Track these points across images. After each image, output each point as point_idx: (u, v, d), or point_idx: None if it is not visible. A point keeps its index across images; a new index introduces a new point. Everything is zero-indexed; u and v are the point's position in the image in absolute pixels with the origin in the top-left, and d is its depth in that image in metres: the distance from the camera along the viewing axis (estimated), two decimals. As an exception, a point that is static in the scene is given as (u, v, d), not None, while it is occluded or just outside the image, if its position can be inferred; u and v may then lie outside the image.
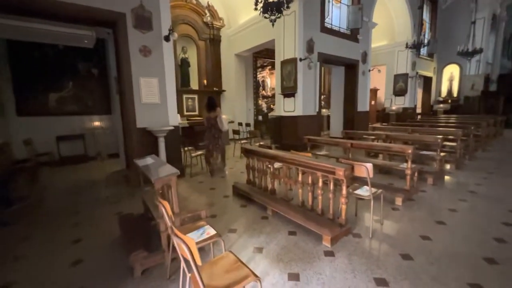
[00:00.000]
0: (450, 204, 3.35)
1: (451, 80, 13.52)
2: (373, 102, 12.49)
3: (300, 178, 2.96)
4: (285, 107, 7.45)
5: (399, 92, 11.78)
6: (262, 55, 10.74)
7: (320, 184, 2.69)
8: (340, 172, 2.42)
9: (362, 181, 3.25)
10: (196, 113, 8.84)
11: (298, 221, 2.77)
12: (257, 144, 6.47)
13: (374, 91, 12.76)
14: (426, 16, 12.52)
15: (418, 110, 13.53)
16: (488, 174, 4.62)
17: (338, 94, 9.35)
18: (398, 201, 3.39)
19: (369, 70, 9.30)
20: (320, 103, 7.73)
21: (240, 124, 9.32)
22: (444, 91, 13.78)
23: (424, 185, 4.10)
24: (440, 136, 4.36)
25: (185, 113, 8.75)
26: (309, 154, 3.43)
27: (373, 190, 2.72)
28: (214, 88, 9.40)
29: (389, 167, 4.33)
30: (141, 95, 4.41)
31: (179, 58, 8.75)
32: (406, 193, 3.51)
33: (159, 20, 4.52)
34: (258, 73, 11.08)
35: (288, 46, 7.06)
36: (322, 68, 9.49)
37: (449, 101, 13.35)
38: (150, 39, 4.47)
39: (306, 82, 7.13)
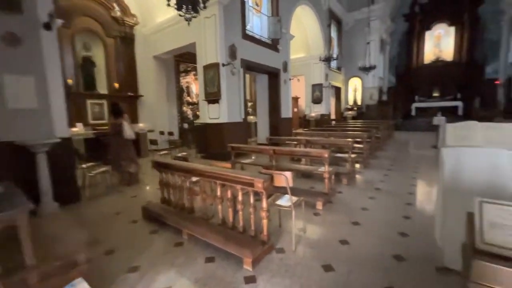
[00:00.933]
0: (362, 203, 3.59)
1: (355, 91, 15.79)
2: (295, 109, 13.37)
3: (219, 193, 2.61)
4: (210, 114, 7.06)
5: (316, 100, 13.00)
6: (185, 59, 10.13)
7: (240, 198, 2.40)
8: (259, 184, 2.18)
9: (284, 190, 3.13)
10: (105, 121, 7.51)
11: (217, 244, 2.40)
12: (179, 154, 5.84)
13: (295, 99, 13.71)
14: (334, 34, 14.32)
15: (332, 116, 15.26)
16: (387, 171, 5.31)
17: (263, 101, 9.56)
18: (319, 205, 3.42)
19: (290, 79, 9.87)
20: (246, 109, 7.66)
21: (161, 133, 8.42)
22: (351, 100, 15.98)
23: (340, 186, 4.35)
24: (351, 139, 4.77)
25: (91, 121, 7.33)
26: (229, 165, 3.13)
27: (294, 199, 2.60)
28: (129, 93, 8.25)
29: (310, 171, 4.44)
30: (5, 97, 3.27)
31: (80, 56, 7.31)
32: (325, 196, 3.59)
33: (34, 2, 3.50)
34: (181, 78, 10.37)
35: (210, 51, 6.74)
36: (248, 75, 9.57)
37: (355, 108, 15.53)
38: (20, 25, 3.40)
39: (230, 88, 6.94)
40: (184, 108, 10.52)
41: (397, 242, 2.51)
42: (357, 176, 5.02)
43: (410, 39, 16.92)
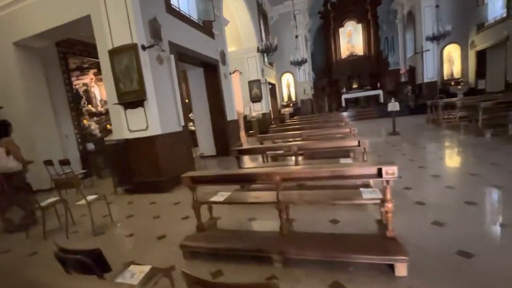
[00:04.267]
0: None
1: (288, 87, 15.34)
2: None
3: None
4: (130, 125, 4.58)
5: (256, 98, 11.66)
6: (77, 51, 7.00)
7: None
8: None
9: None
10: None
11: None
12: (83, 201, 3.27)
13: (232, 99, 12.05)
14: (262, 27, 13.33)
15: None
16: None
17: (201, 102, 7.47)
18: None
19: (230, 73, 8.12)
20: (186, 113, 5.46)
21: (48, 163, 5.31)
22: (285, 96, 15.45)
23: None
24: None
25: None
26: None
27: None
28: None
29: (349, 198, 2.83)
30: None
31: None
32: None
33: None
34: (75, 78, 7.14)
35: (118, 26, 4.31)
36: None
37: (291, 105, 15.06)
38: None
39: (159, 83, 4.67)
40: (85, 122, 7.32)
41: None
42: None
43: (327, 35, 17.76)
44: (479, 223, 2.33)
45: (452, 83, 12.52)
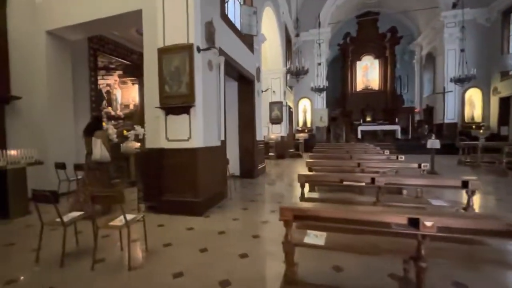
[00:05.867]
0: None
1: (305, 112, 15.09)
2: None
3: None
4: (169, 133, 4.00)
5: (276, 120, 11.28)
6: (107, 50, 6.59)
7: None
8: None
9: None
10: None
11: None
12: (117, 222, 2.60)
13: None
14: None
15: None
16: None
17: (231, 118, 6.95)
18: None
19: (262, 91, 7.74)
20: (225, 127, 4.91)
21: (60, 166, 4.64)
22: (300, 122, 15.13)
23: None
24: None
25: None
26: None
27: None
28: None
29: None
30: None
31: None
32: None
33: None
34: (100, 78, 6.66)
35: (174, 26, 3.89)
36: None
37: (306, 130, 14.70)
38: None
39: (206, 91, 4.17)
40: (103, 125, 6.69)
41: None
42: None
43: (344, 66, 17.99)
44: None
45: (473, 126, 12.37)
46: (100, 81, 6.73)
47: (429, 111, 15.14)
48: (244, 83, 6.68)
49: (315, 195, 3.31)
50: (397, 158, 4.78)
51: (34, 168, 4.29)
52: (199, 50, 3.88)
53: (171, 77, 3.89)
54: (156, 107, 3.94)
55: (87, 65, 6.03)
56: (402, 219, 1.57)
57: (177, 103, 3.85)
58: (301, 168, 8.96)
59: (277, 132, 11.37)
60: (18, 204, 3.94)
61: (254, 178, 6.80)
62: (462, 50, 11.46)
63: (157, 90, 3.94)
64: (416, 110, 16.63)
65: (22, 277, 2.29)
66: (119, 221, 2.57)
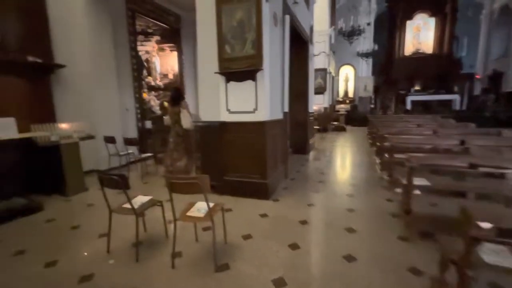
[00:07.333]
0: None
1: (346, 81, 13.72)
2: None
3: None
4: (229, 104, 3.41)
5: (319, 89, 10.25)
6: (145, 11, 5.92)
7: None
8: None
9: None
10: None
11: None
12: (195, 213, 2.15)
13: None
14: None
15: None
16: None
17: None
18: None
19: (314, 55, 6.76)
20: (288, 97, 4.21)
21: (109, 140, 4.32)
22: (341, 92, 13.87)
23: None
24: None
25: None
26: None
27: None
28: (29, 58, 3.88)
29: None
30: None
31: None
32: None
33: None
34: (139, 44, 6.12)
35: (234, -35, 3.07)
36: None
37: (347, 101, 13.48)
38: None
39: (272, 51, 3.44)
40: (145, 96, 6.31)
41: None
42: None
43: (391, 27, 15.73)
44: None
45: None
46: (139, 47, 6.21)
47: (495, 78, 12.98)
48: (298, 44, 5.76)
49: (422, 181, 2.61)
50: (500, 134, 3.87)
51: (82, 142, 4.00)
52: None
53: (233, 35, 3.18)
54: (216, 73, 3.32)
55: (126, 29, 5.46)
56: None
57: (241, 67, 3.18)
58: (353, 142, 8.15)
59: (319, 103, 10.41)
60: (75, 180, 3.73)
61: (306, 154, 6.19)
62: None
63: (213, 52, 3.28)
64: (477, 76, 14.39)
65: (96, 273, 1.97)
66: (197, 210, 2.12)
